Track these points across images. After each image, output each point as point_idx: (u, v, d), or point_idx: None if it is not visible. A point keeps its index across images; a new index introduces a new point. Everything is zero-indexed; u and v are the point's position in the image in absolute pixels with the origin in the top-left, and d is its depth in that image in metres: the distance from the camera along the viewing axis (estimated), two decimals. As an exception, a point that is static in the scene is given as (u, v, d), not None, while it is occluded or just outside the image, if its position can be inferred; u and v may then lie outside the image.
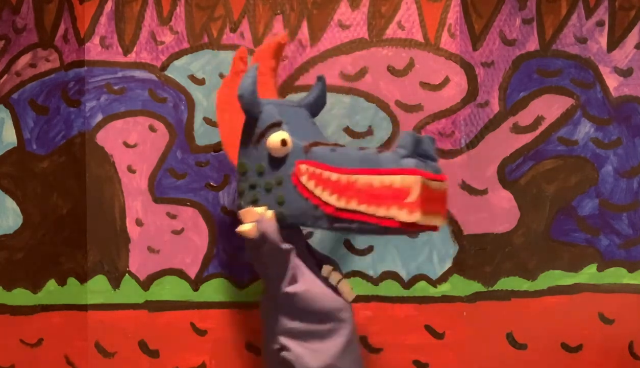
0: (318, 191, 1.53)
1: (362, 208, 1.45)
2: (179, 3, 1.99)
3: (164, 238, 1.99)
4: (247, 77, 1.62)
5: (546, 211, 1.98)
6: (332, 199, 1.51)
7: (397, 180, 1.40)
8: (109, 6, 1.99)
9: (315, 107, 1.76)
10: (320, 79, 1.79)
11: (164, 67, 1.99)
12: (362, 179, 1.46)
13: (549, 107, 1.99)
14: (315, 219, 1.56)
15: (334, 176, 1.50)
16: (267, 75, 1.79)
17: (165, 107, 1.99)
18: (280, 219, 1.59)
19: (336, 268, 1.69)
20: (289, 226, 1.61)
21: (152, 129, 1.99)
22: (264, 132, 1.61)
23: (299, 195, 1.57)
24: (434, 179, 1.44)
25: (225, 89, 1.80)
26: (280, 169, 1.60)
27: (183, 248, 1.99)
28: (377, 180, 1.43)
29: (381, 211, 1.42)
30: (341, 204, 1.49)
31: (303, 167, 1.56)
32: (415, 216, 1.39)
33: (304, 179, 1.56)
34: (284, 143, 1.58)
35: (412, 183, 1.39)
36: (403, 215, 1.39)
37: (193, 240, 1.99)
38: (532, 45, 1.98)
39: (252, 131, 1.64)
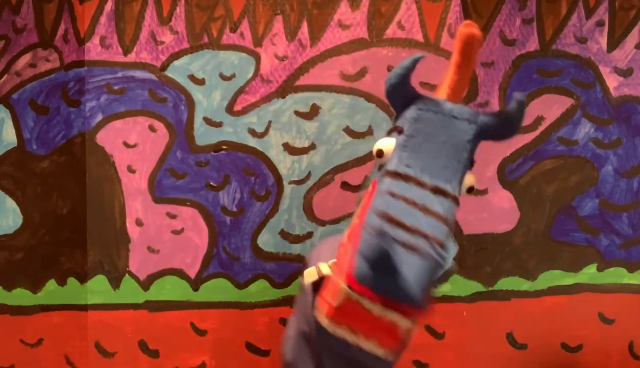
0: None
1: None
2: (179, 3, 1.99)
3: (164, 238, 1.99)
4: (396, 68, 1.35)
5: (546, 211, 1.98)
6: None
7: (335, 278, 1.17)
8: (109, 6, 1.99)
9: (495, 131, 1.31)
10: (518, 101, 1.29)
11: (164, 67, 1.99)
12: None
13: (549, 107, 1.99)
14: None
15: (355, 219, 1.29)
16: (452, 71, 1.39)
17: (165, 107, 1.99)
18: None
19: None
20: None
21: (152, 129, 1.99)
22: (389, 133, 1.37)
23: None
24: (377, 304, 1.12)
25: None
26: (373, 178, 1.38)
27: (183, 248, 1.99)
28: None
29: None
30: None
31: (369, 186, 1.34)
32: (323, 321, 1.17)
33: (366, 197, 1.33)
34: (379, 154, 1.33)
35: (339, 288, 1.14)
36: (321, 313, 1.18)
37: (193, 240, 1.99)
38: (532, 45, 1.98)
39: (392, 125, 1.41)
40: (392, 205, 1.22)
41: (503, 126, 1.29)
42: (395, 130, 1.33)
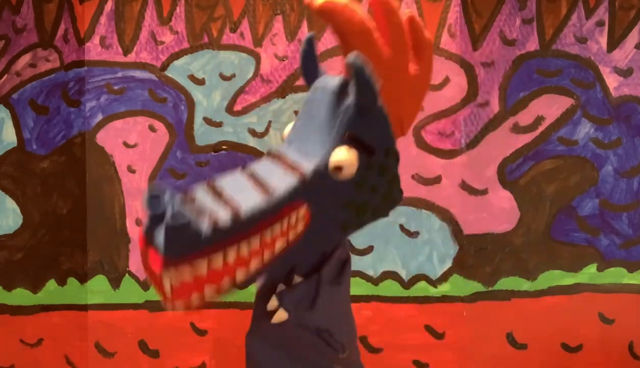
0: None
1: None
2: (179, 3, 1.99)
3: (164, 238, 1.99)
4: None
5: (546, 211, 1.98)
6: None
7: None
8: (109, 6, 1.99)
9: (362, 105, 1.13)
10: (350, 65, 1.05)
11: (164, 67, 1.99)
12: None
13: (549, 107, 1.99)
14: None
15: None
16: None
17: (165, 107, 1.99)
18: None
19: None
20: None
21: (152, 129, 1.99)
22: None
23: None
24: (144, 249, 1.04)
25: None
26: None
27: (183, 248, 1.99)
28: None
29: None
30: None
31: None
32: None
33: None
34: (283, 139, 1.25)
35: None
36: None
37: (193, 240, 1.99)
38: (532, 45, 1.98)
39: None
40: (230, 178, 1.15)
41: (355, 91, 1.10)
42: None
